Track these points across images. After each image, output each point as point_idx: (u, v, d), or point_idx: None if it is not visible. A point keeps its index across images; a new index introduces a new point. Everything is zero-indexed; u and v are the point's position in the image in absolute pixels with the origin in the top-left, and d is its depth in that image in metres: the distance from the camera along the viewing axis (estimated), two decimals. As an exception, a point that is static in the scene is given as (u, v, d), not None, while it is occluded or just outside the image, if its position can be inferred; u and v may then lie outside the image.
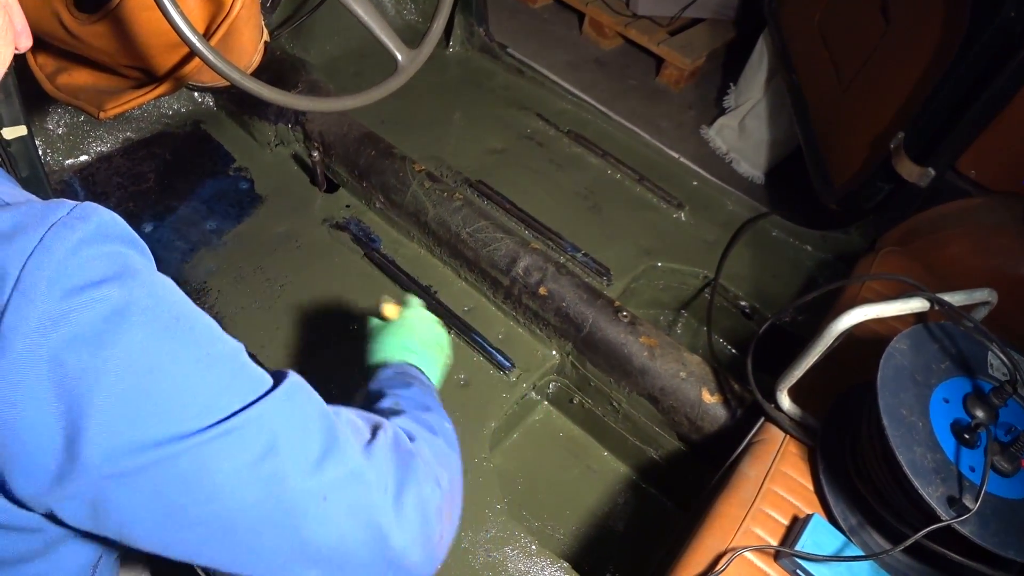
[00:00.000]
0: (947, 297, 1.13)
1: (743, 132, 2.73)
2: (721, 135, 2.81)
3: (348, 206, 1.90)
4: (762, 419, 1.31)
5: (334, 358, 1.58)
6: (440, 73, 2.36)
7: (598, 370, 1.58)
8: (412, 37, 2.02)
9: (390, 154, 1.83)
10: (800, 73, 2.35)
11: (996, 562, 0.99)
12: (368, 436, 0.71)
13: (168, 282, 0.61)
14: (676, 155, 2.16)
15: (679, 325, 1.99)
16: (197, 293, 1.66)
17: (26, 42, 0.68)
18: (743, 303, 1.82)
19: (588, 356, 1.58)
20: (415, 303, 1.18)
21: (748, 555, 1.10)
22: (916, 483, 0.97)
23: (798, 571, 1.07)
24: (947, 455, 1.01)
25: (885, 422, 1.01)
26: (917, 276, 1.25)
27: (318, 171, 1.89)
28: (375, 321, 1.15)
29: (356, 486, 0.65)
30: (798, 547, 1.07)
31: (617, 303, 1.58)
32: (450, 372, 1.57)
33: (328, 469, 0.62)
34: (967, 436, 1.03)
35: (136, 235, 0.61)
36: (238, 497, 0.58)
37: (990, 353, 1.14)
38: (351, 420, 0.71)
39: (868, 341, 1.27)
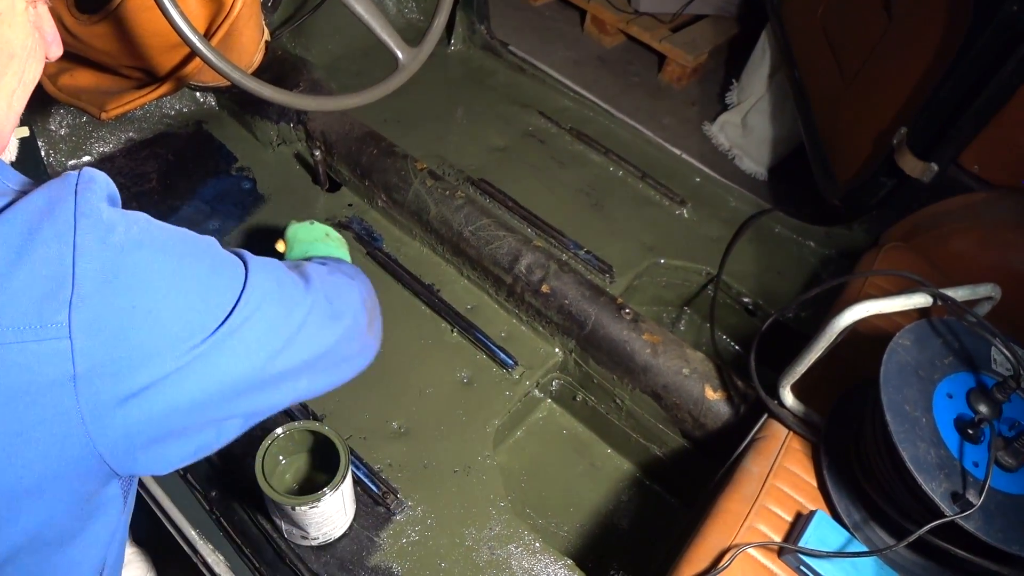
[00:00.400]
0: (950, 292, 1.13)
1: (746, 128, 2.73)
2: (724, 132, 2.81)
3: (350, 205, 1.91)
4: (765, 415, 1.31)
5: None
6: (441, 71, 2.36)
7: (601, 367, 1.58)
8: (413, 35, 2.02)
9: (392, 153, 1.84)
10: (803, 69, 2.35)
11: (1000, 557, 0.99)
12: (298, 275, 0.86)
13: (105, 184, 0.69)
14: (679, 152, 2.15)
15: (682, 322, 1.98)
16: (200, 292, 1.66)
17: (56, 51, 0.71)
18: (746, 299, 1.81)
19: (591, 353, 1.58)
20: (292, 224, 1.43)
21: (751, 551, 1.10)
22: (919, 479, 0.97)
23: (802, 567, 1.07)
24: (951, 451, 1.01)
25: (888, 418, 1.01)
26: (920, 272, 1.25)
27: (320, 170, 1.89)
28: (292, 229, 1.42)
29: (316, 311, 0.82)
30: (802, 543, 1.07)
31: (619, 300, 1.58)
32: (453, 370, 1.59)
33: (299, 307, 0.79)
34: (971, 431, 1.03)
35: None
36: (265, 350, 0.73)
37: (993, 348, 1.14)
38: (280, 266, 0.84)
39: (871, 337, 1.27)
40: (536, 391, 1.67)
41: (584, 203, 1.99)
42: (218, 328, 0.66)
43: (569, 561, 1.32)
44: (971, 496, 0.96)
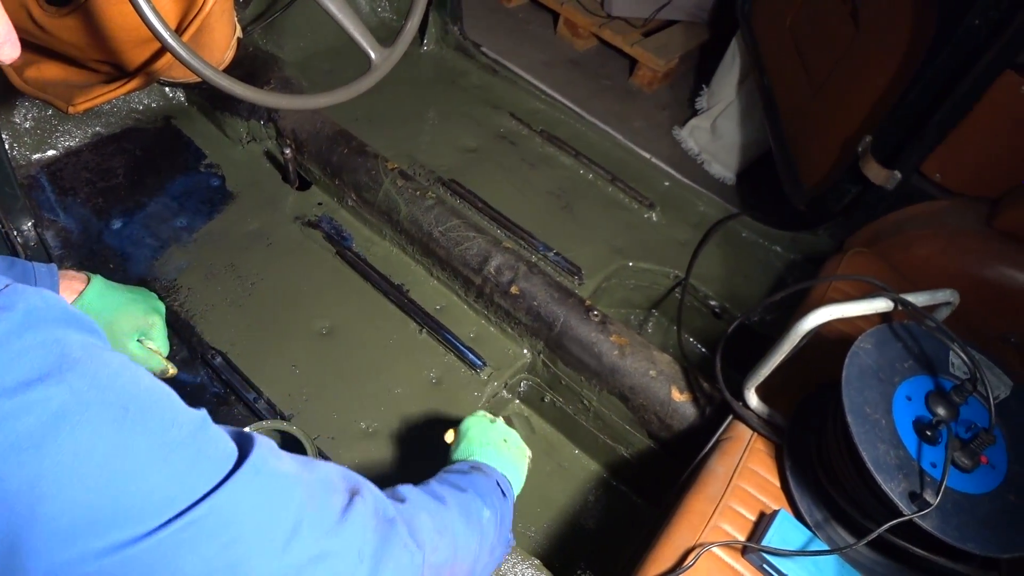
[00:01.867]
0: (910, 298, 1.16)
1: (715, 133, 2.75)
2: (693, 136, 2.84)
3: (320, 203, 1.90)
4: (730, 417, 1.33)
5: (305, 356, 1.58)
6: (414, 71, 2.36)
7: (569, 368, 1.59)
8: (386, 35, 2.02)
9: (363, 152, 1.83)
10: (772, 75, 2.38)
11: (956, 555, 1.01)
12: (344, 500, 0.68)
13: (115, 361, 0.55)
14: (648, 155, 2.17)
15: (650, 324, 2.00)
16: (167, 290, 1.64)
17: (10, 51, 0.60)
18: (713, 303, 1.84)
19: (559, 355, 1.59)
20: (472, 416, 1.24)
21: (716, 550, 1.11)
22: (879, 479, 0.99)
23: (764, 566, 1.09)
24: (909, 452, 1.04)
25: (849, 419, 1.03)
26: (883, 277, 1.28)
27: (290, 168, 1.88)
28: (484, 422, 1.21)
29: (326, 562, 0.62)
30: (765, 542, 1.09)
31: (588, 302, 1.60)
32: (422, 370, 1.59)
33: (295, 550, 0.59)
34: (929, 433, 1.05)
35: (74, 311, 0.56)
36: None
37: (951, 352, 1.16)
38: (326, 480, 0.68)
39: (834, 341, 1.29)
40: (504, 392, 1.68)
41: (554, 205, 2.00)
42: (158, 528, 0.52)
43: (536, 561, 1.32)
44: (928, 496, 0.98)
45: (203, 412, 0.60)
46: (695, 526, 1.15)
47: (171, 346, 1.28)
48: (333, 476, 0.70)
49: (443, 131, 2.18)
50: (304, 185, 1.94)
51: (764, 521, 1.14)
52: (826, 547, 1.10)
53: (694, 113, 2.91)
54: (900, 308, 1.15)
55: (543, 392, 1.68)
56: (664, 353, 1.53)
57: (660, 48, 3.11)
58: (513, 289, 1.60)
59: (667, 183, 2.10)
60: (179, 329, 1.58)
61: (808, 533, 1.12)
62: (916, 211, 1.66)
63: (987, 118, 1.54)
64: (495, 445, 1.16)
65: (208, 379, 1.53)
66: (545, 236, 1.88)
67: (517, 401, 1.73)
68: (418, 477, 1.05)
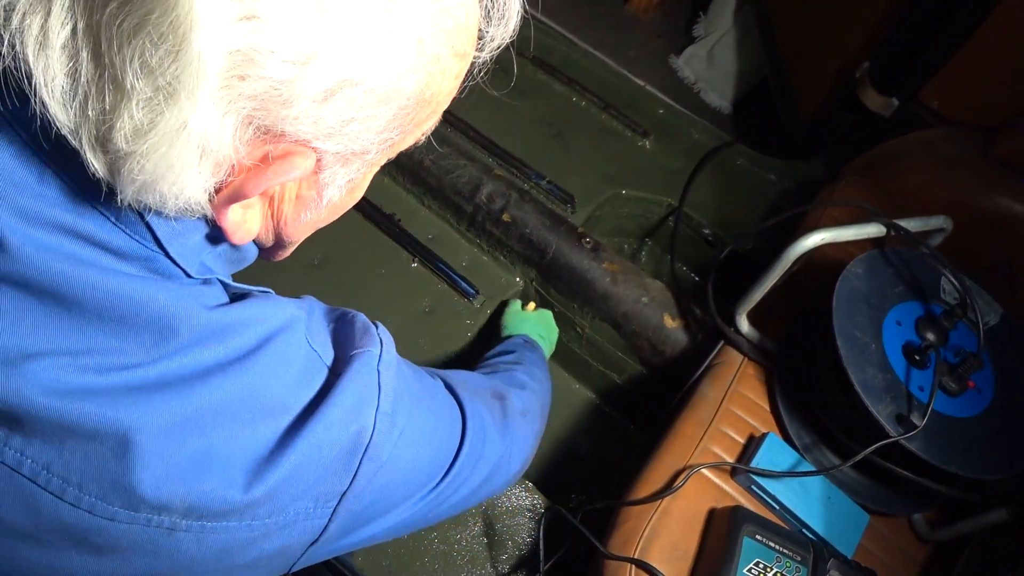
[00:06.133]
0: (903, 223, 1.16)
1: (712, 62, 2.70)
2: (689, 64, 2.79)
3: (310, 132, 1.87)
4: (721, 343, 1.34)
5: (298, 287, 1.57)
6: (404, -4, 2.30)
7: (562, 296, 1.59)
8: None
9: (352, 78, 1.79)
10: (769, 2, 2.33)
11: (940, 477, 1.03)
12: (500, 414, 0.88)
13: (402, 363, 0.70)
14: (642, 83, 2.14)
15: (643, 253, 2.00)
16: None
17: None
18: (707, 231, 1.83)
19: (552, 282, 1.59)
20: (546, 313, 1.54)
21: (705, 472, 1.13)
22: (867, 402, 1.00)
23: (752, 487, 1.11)
24: (898, 375, 1.05)
25: (839, 343, 1.04)
26: (877, 204, 1.27)
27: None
28: (517, 305, 1.52)
29: (498, 457, 0.84)
30: (753, 464, 1.11)
31: (580, 229, 1.59)
32: (415, 300, 1.59)
33: (486, 464, 0.81)
34: (917, 357, 1.06)
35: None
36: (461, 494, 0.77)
37: (943, 278, 1.17)
38: (489, 403, 0.87)
39: (825, 267, 1.29)
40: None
41: (546, 133, 1.97)
42: (436, 486, 0.71)
43: (530, 484, 1.35)
44: (915, 418, 0.99)
45: (439, 382, 0.78)
46: (685, 449, 1.17)
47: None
48: (488, 392, 0.90)
49: (434, 58, 2.13)
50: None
51: (753, 444, 1.16)
52: (813, 468, 1.12)
53: (691, 41, 2.85)
54: (893, 233, 1.15)
55: (536, 321, 1.69)
56: (656, 280, 1.53)
57: (656, -27, 3.03)
58: (505, 217, 1.59)
59: (661, 111, 2.07)
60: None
61: (796, 455, 1.14)
62: (912, 140, 1.65)
63: (989, 43, 1.51)
64: (549, 335, 1.47)
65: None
66: (537, 164, 1.86)
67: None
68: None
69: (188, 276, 0.52)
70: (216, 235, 0.53)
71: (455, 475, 0.73)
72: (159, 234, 0.49)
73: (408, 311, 1.58)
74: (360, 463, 0.57)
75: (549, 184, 1.79)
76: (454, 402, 0.77)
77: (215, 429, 0.50)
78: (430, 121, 0.61)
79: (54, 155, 0.44)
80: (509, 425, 0.88)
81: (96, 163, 0.43)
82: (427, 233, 1.70)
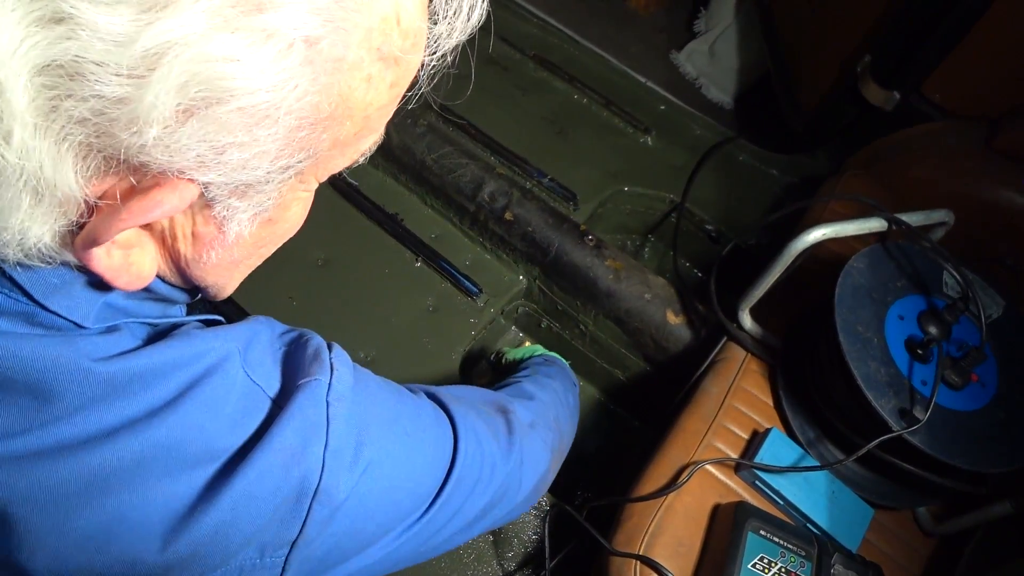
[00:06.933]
0: (905, 217, 1.15)
1: (713, 57, 2.70)
2: (691, 60, 2.78)
3: (312, 132, 1.87)
4: (725, 339, 1.34)
5: (303, 287, 1.58)
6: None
7: (565, 294, 1.60)
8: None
9: (354, 78, 1.80)
10: (770, -5, 2.32)
11: (944, 470, 1.03)
12: (504, 429, 0.82)
13: (371, 384, 0.66)
14: (643, 79, 2.14)
15: (646, 250, 2.00)
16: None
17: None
18: (709, 227, 1.83)
19: (555, 280, 1.59)
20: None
21: (709, 468, 1.13)
22: (870, 396, 1.00)
23: (756, 482, 1.11)
24: (900, 370, 1.05)
25: (841, 338, 1.04)
26: (880, 198, 1.27)
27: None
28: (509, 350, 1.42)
29: (504, 478, 0.78)
30: (757, 459, 1.11)
31: (583, 227, 1.59)
32: (418, 299, 1.59)
33: (498, 477, 0.77)
34: (920, 351, 1.06)
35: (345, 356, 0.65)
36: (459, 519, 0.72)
37: (945, 272, 1.17)
38: (490, 419, 0.81)
39: (828, 262, 1.29)
40: (501, 318, 1.68)
41: (548, 131, 1.97)
42: (421, 517, 0.65)
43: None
44: (918, 412, 0.99)
45: (423, 400, 0.73)
46: (689, 445, 1.17)
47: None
48: (490, 406, 0.85)
49: (434, 57, 2.13)
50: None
51: (757, 439, 1.16)
52: (817, 463, 1.12)
53: (692, 36, 2.84)
54: (895, 228, 1.15)
55: (540, 318, 1.69)
56: (659, 277, 1.54)
57: (656, -32, 3.03)
58: (507, 215, 1.59)
59: (663, 107, 2.07)
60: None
61: (799, 450, 1.14)
62: (914, 133, 1.64)
63: (990, 36, 1.51)
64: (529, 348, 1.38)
65: (205, 312, 1.53)
66: (539, 162, 1.86)
67: (514, 328, 1.74)
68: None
69: (80, 327, 0.46)
70: (101, 281, 0.45)
71: (445, 502, 0.67)
72: (26, 286, 0.43)
73: (412, 310, 1.58)
74: (310, 508, 0.52)
75: (551, 182, 1.80)
76: (443, 419, 0.71)
77: (123, 490, 0.45)
78: (364, 140, 0.51)
79: None
80: (516, 441, 0.82)
81: None
82: (430, 232, 1.71)
